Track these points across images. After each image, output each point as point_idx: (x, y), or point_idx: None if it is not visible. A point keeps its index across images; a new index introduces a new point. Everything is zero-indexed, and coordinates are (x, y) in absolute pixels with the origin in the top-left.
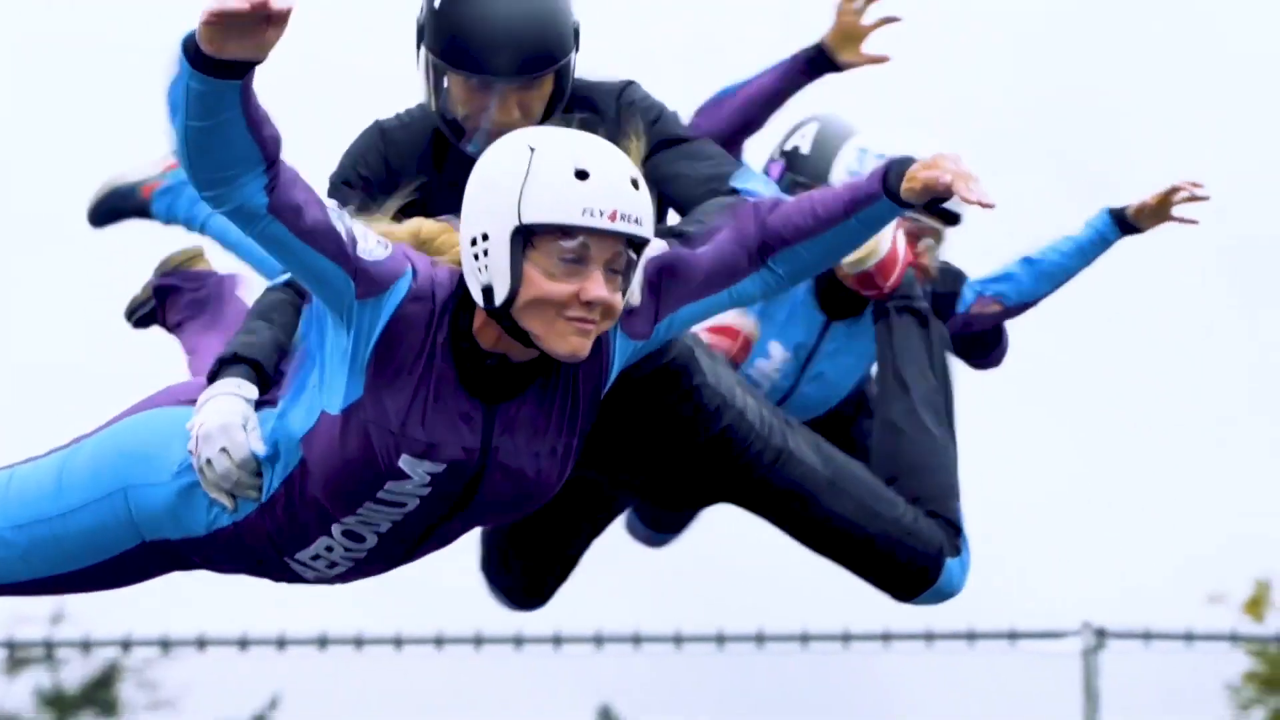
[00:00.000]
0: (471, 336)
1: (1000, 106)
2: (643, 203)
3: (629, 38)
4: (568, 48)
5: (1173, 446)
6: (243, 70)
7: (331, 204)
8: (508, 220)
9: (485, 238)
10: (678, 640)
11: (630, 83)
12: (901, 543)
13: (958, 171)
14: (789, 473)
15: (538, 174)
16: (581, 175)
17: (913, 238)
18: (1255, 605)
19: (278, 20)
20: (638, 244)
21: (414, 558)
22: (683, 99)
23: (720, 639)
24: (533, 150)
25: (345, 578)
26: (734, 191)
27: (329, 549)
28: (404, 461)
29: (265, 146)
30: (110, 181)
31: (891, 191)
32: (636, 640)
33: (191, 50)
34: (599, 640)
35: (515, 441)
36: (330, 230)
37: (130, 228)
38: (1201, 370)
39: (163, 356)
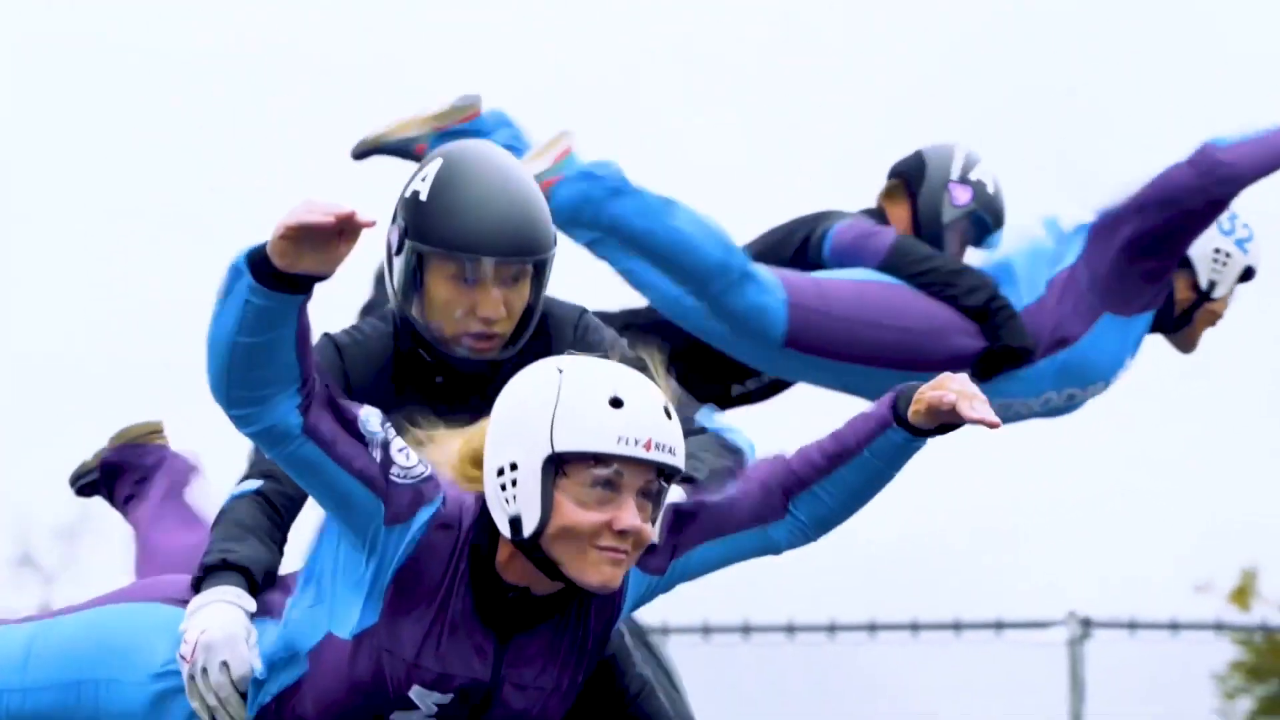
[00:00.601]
0: (494, 568)
1: (1000, 107)
2: (676, 432)
3: (626, 38)
4: (553, 240)
5: (1158, 437)
6: (307, 285)
7: (367, 417)
8: (540, 448)
9: (514, 467)
10: (665, 631)
11: (584, 311)
12: None
13: (961, 391)
14: (647, 707)
15: (571, 401)
16: (616, 403)
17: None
18: (1241, 595)
19: (351, 234)
20: (668, 473)
21: None
22: (682, 102)
23: (706, 630)
24: (564, 377)
25: None
26: (702, 429)
27: None
28: (414, 692)
29: (304, 364)
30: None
31: (902, 418)
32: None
33: (255, 265)
34: None
35: (523, 676)
36: (363, 451)
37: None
38: (1188, 362)
39: (156, 358)
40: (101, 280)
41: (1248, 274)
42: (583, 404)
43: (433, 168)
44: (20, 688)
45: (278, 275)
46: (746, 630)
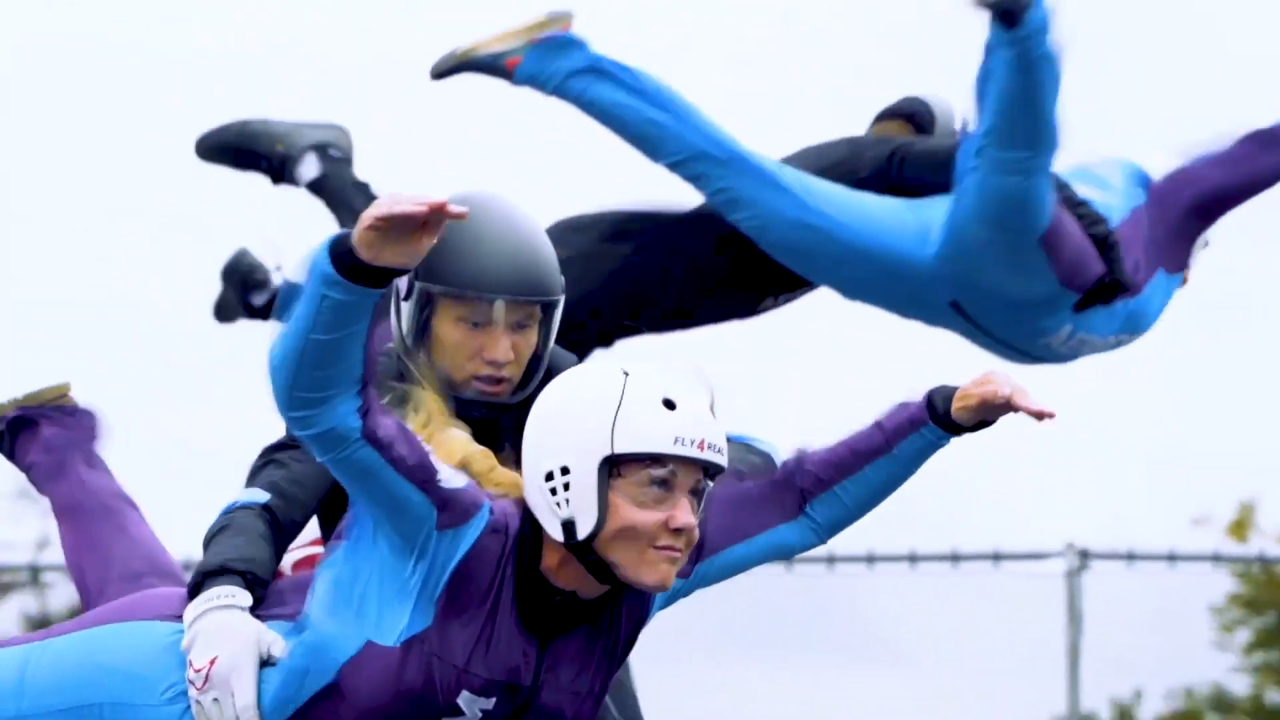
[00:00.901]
0: (540, 573)
1: None
2: (722, 432)
3: (624, 37)
4: (561, 286)
5: (1157, 368)
6: (386, 280)
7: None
8: (597, 450)
9: (565, 471)
10: None
11: (579, 359)
12: None
13: (1015, 385)
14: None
15: (629, 403)
16: (669, 404)
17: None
18: (1239, 528)
19: (434, 226)
20: (713, 472)
21: None
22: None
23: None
24: (626, 379)
25: None
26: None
27: None
28: (463, 698)
29: (367, 365)
30: None
31: (938, 417)
32: None
33: (337, 259)
34: None
35: (561, 679)
36: (420, 457)
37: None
38: (1185, 293)
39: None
40: (101, 280)
41: (1205, 243)
42: (640, 405)
43: None
44: (17, 715)
45: (356, 270)
46: None
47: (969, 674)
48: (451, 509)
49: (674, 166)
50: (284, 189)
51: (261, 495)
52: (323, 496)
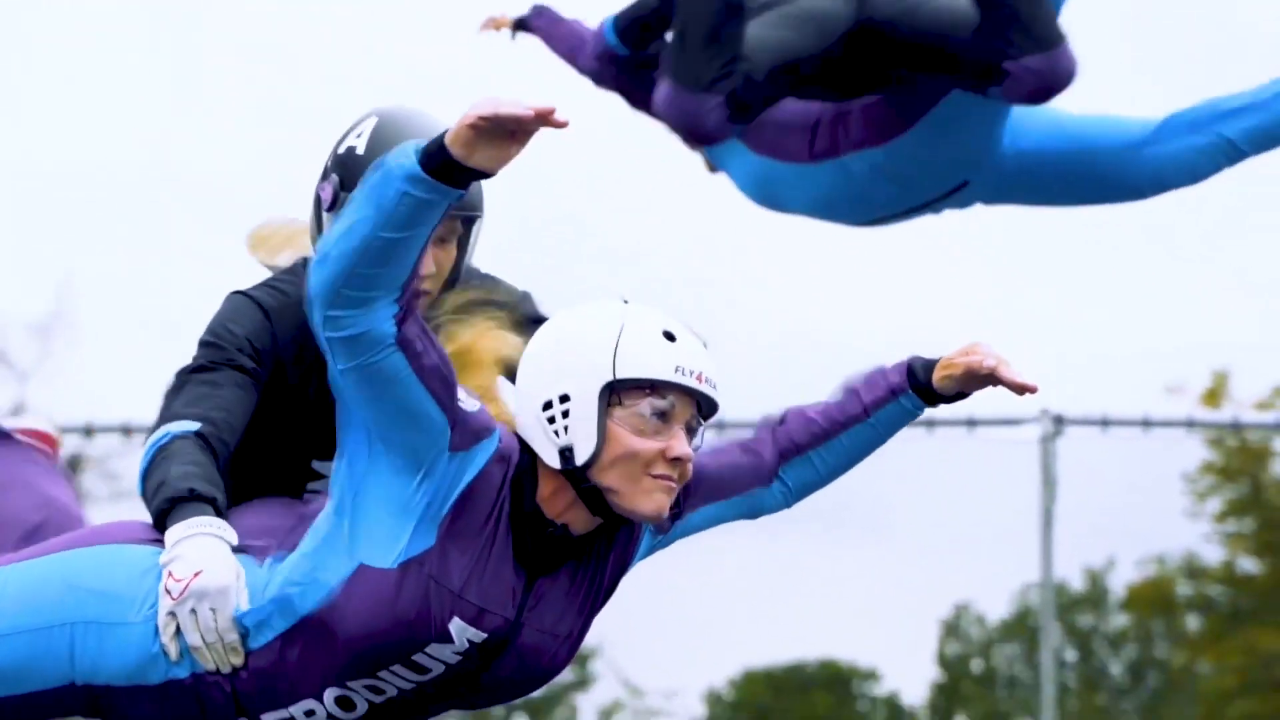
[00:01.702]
0: (536, 505)
1: None
2: (716, 370)
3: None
4: (482, 206)
5: (1136, 240)
6: (468, 181)
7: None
8: (598, 376)
9: (565, 399)
10: None
11: (528, 293)
12: None
13: (999, 358)
14: None
15: (631, 332)
16: (669, 337)
17: None
18: (1212, 396)
19: (526, 135)
20: (706, 412)
21: None
22: None
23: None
24: (626, 310)
25: None
26: None
27: (309, 713)
28: (454, 625)
29: (414, 271)
30: None
31: (918, 385)
32: None
33: (426, 157)
34: None
35: (543, 620)
36: (445, 371)
37: None
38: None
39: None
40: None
41: None
42: (641, 335)
43: (368, 125)
44: None
45: (440, 169)
46: (722, 427)
47: (943, 541)
48: (464, 430)
49: None
50: None
51: (192, 424)
52: (248, 421)
